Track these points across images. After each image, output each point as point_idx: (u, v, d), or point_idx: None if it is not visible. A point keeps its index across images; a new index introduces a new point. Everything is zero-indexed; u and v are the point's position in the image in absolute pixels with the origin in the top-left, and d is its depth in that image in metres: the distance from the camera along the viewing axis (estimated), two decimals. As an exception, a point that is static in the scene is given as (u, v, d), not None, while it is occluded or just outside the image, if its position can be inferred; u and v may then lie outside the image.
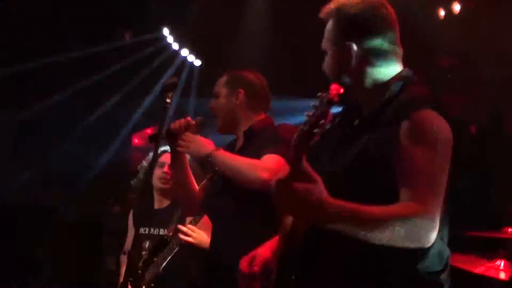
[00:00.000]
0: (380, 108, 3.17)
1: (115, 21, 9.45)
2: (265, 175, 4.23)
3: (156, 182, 6.34)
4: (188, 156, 4.84)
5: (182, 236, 5.66)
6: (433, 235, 2.81)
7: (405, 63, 3.35)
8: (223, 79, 4.84)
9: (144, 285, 5.89)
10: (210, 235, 5.00)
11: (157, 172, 6.28)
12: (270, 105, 4.88)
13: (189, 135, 4.56)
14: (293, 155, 2.75)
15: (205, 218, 5.65)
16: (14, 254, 7.83)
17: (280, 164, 4.24)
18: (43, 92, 8.56)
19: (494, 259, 6.27)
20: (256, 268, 3.31)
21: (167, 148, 5.60)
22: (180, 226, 5.66)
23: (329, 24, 3.41)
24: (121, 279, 6.04)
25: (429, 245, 2.81)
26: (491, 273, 6.20)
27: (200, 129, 4.71)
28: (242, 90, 4.75)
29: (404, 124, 2.95)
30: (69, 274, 8.24)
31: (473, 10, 8.47)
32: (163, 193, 6.33)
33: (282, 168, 3.90)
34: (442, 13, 8.72)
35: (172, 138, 4.63)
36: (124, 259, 6.43)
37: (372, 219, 2.77)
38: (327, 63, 3.36)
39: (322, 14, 3.43)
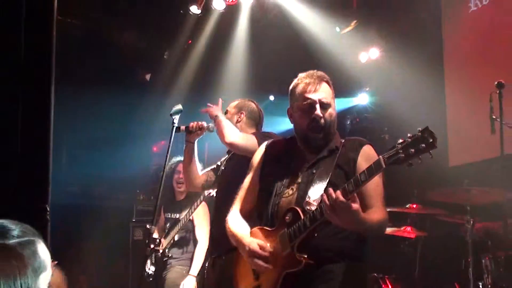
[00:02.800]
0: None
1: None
2: (234, 138, 4.37)
3: (174, 183, 6.53)
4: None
5: None
6: None
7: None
8: (234, 102, 4.88)
9: (161, 249, 5.98)
10: (208, 224, 5.03)
11: (175, 177, 6.50)
12: (262, 126, 4.89)
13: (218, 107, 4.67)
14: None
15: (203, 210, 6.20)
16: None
17: (250, 138, 4.42)
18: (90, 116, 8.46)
19: (404, 225, 6.27)
20: None
21: (181, 158, 5.65)
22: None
23: (327, 87, 3.39)
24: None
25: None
26: (403, 234, 6.22)
27: (209, 132, 4.78)
28: (244, 112, 4.77)
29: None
30: (105, 245, 8.14)
31: (385, 56, 8.43)
32: (179, 191, 6.50)
33: (251, 140, 4.36)
34: (363, 57, 8.66)
35: (188, 132, 4.77)
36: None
37: (374, 224, 3.09)
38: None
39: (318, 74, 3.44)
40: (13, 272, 1.52)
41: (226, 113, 4.80)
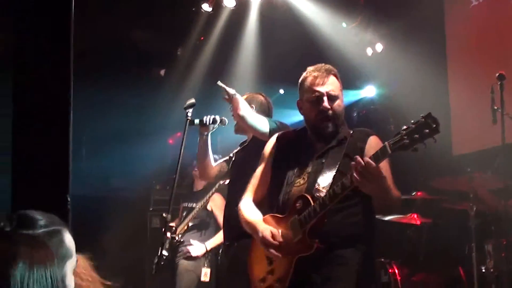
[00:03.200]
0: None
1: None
2: (246, 112, 4.37)
3: (194, 174, 6.64)
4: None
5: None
6: None
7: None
8: (243, 97, 4.76)
9: (176, 236, 6.03)
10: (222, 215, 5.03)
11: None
12: (272, 117, 4.80)
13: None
14: None
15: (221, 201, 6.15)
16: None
17: (261, 118, 4.46)
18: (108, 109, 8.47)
19: (410, 212, 6.26)
20: None
21: None
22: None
23: (335, 79, 3.40)
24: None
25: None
26: (409, 221, 6.22)
27: (221, 125, 4.83)
28: (253, 106, 4.72)
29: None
30: (124, 232, 8.19)
31: (391, 50, 8.40)
32: (198, 180, 6.56)
33: (263, 120, 4.42)
34: (369, 51, 8.65)
35: (202, 125, 4.78)
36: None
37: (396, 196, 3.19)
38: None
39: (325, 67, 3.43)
40: (43, 261, 1.54)
41: None
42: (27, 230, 1.67)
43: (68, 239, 1.78)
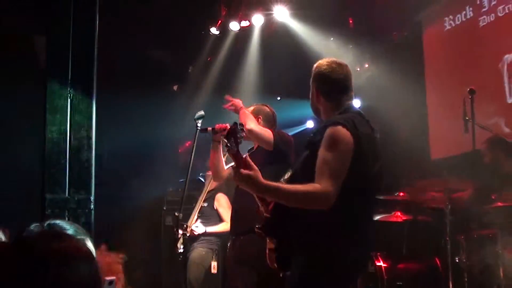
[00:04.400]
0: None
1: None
2: (253, 126, 4.38)
3: (207, 173, 6.50)
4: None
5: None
6: (328, 203, 2.70)
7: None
8: (251, 108, 4.78)
9: (187, 232, 5.97)
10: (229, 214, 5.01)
11: None
12: (276, 126, 4.81)
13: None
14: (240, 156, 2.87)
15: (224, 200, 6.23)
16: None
17: (266, 130, 4.49)
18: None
19: (394, 211, 6.27)
20: None
21: None
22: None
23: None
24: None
25: (324, 208, 2.71)
26: (393, 219, 6.23)
27: None
28: (260, 116, 4.70)
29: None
30: (141, 230, 8.19)
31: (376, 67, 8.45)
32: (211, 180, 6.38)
33: (268, 132, 4.47)
34: (358, 68, 8.70)
35: (214, 132, 4.72)
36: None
37: (287, 192, 2.78)
38: None
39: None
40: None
41: None
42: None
43: (91, 248, 1.80)
